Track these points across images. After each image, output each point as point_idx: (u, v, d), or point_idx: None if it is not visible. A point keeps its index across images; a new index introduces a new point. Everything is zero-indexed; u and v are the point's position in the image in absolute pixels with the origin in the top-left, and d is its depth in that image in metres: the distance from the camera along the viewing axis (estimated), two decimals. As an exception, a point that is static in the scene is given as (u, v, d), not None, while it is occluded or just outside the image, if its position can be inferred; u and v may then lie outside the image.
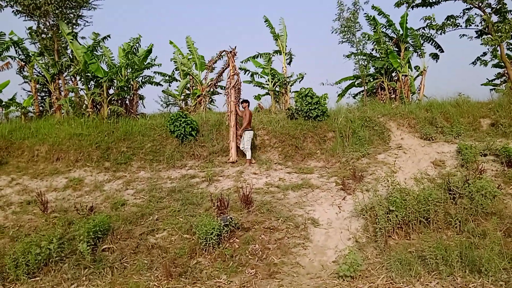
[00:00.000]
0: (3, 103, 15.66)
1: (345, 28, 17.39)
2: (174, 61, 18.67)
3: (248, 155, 11.54)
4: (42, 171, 11.03)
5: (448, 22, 16.46)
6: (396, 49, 17.34)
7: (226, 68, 12.72)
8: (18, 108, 15.88)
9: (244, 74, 18.16)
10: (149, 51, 16.33)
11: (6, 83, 15.52)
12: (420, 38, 17.29)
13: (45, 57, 15.62)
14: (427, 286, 6.30)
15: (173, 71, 19.00)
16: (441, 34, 16.98)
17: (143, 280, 7.05)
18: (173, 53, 18.48)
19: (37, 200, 9.31)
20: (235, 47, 12.54)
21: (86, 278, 7.18)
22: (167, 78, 18.75)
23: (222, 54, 12.96)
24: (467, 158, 10.58)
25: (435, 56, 17.83)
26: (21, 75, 16.15)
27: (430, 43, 17.56)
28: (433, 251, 6.79)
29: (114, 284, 7.00)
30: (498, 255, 6.64)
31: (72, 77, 16.04)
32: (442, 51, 17.69)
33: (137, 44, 16.13)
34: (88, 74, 14.47)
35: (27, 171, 11.01)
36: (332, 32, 17.56)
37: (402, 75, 16.94)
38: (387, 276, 6.69)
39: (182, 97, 18.13)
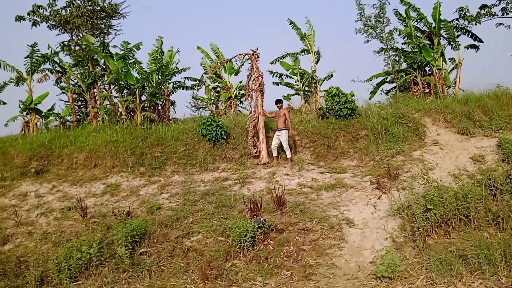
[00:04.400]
0: (43, 114, 16.32)
1: (369, 28, 16.99)
2: (203, 66, 18.89)
3: (289, 153, 11.52)
4: (81, 177, 11.42)
5: (483, 12, 15.83)
6: (429, 42, 16.81)
7: (250, 71, 12.67)
8: (56, 117, 16.51)
9: (272, 76, 18.16)
10: (175, 55, 16.59)
11: (45, 95, 16.16)
12: (454, 30, 16.71)
13: (80, 68, 16.17)
14: (469, 287, 6.09)
15: (202, 75, 19.23)
16: (475, 24, 16.36)
17: (180, 282, 7.17)
18: (201, 58, 18.72)
19: (77, 206, 9.65)
20: (257, 48, 12.53)
21: (125, 282, 7.37)
22: (196, 83, 19.00)
23: (244, 58, 12.92)
24: (508, 153, 10.12)
25: (474, 47, 17.14)
26: (58, 86, 16.83)
27: (466, 34, 16.93)
28: (474, 250, 6.55)
29: (152, 286, 7.15)
30: (546, 253, 6.32)
31: (106, 86, 16.55)
32: (481, 41, 16.99)
33: (162, 46, 16.34)
34: (121, 82, 14.87)
35: (67, 178, 11.43)
36: (356, 33, 17.24)
37: (436, 69, 16.40)
38: (427, 277, 6.51)
39: (212, 100, 18.33)
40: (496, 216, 7.73)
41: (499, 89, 13.70)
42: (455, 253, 6.92)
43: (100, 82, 16.36)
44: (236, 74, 18.39)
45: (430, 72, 16.63)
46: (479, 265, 6.39)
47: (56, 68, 16.45)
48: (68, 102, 16.95)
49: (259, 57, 12.53)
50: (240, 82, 18.24)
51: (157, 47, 16.20)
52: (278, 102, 12.16)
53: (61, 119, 16.24)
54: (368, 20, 16.42)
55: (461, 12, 15.92)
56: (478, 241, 6.83)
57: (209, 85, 18.58)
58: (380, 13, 16.30)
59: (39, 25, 16.00)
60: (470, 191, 7.91)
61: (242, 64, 17.45)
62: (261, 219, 8.18)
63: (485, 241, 6.88)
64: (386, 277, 6.60)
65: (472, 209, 7.76)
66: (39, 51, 15.52)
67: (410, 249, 7.48)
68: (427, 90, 16.42)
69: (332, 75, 17.74)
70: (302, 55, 17.88)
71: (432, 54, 15.96)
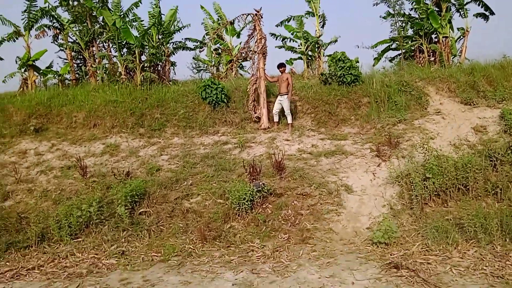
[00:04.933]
0: (41, 71, 16.06)
1: None
2: (204, 26, 18.44)
3: (290, 119, 11.41)
4: (81, 137, 11.38)
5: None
6: (437, 9, 16.37)
7: (253, 32, 12.22)
8: (55, 75, 16.26)
9: (275, 39, 17.76)
10: (175, 15, 16.11)
11: (43, 52, 15.83)
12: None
13: (78, 25, 15.75)
14: (464, 254, 6.18)
15: (204, 36, 18.80)
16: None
17: (178, 242, 7.28)
18: (203, 18, 18.23)
19: (76, 165, 9.66)
20: (260, 8, 11.97)
21: (125, 240, 7.49)
22: (197, 44, 18.60)
23: (247, 18, 12.44)
24: (510, 124, 10.06)
25: (482, 16, 16.69)
26: (56, 43, 16.44)
27: (476, 3, 16.45)
28: (471, 219, 6.63)
29: (151, 246, 7.26)
30: (542, 224, 6.39)
31: (105, 44, 16.19)
32: (491, 12, 16.53)
33: (159, 3, 15.79)
34: (120, 40, 14.54)
35: (66, 137, 11.38)
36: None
37: (443, 37, 16.04)
38: (422, 243, 6.61)
39: (213, 63, 18.01)
40: (495, 186, 7.76)
41: (505, 59, 13.45)
42: (451, 221, 7.01)
43: (99, 41, 15.99)
44: (238, 36, 17.99)
45: (436, 40, 16.28)
46: (475, 233, 6.47)
47: (54, 24, 16.03)
48: (66, 60, 16.63)
49: (262, 17, 12.01)
50: (240, 43, 17.85)
51: (154, 4, 15.68)
52: (281, 66, 11.91)
53: (60, 77, 15.98)
54: None
55: None
56: (475, 210, 6.89)
57: (211, 46, 18.19)
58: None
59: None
60: (469, 161, 7.91)
61: (245, 25, 17.02)
62: (260, 183, 8.22)
63: (482, 211, 6.95)
64: (382, 243, 6.71)
65: (471, 179, 7.79)
66: (37, 6, 15.08)
67: (407, 217, 7.57)
68: (432, 59, 16.14)
69: (336, 40, 17.37)
70: (307, 18, 17.44)
71: (439, 21, 15.56)
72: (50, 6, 15.45)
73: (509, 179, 7.89)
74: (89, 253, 7.14)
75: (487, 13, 16.56)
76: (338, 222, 7.68)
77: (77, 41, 15.82)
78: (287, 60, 18.25)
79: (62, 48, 16.55)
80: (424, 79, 12.76)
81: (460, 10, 16.30)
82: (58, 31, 16.12)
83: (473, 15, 16.67)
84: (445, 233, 6.61)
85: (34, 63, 15.60)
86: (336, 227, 7.55)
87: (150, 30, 14.82)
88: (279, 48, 17.90)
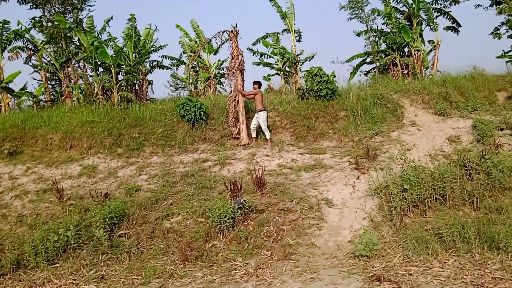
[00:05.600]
0: (15, 93, 15.76)
1: (353, 3, 16.94)
2: (181, 45, 18.51)
3: (268, 134, 11.45)
4: (57, 159, 11.14)
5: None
6: (408, 23, 16.89)
7: (233, 50, 12.31)
8: (29, 97, 15.98)
9: (253, 55, 17.97)
10: (153, 34, 16.19)
11: (16, 73, 15.57)
12: (433, 11, 16.81)
13: (53, 46, 15.59)
14: (444, 264, 6.25)
15: (181, 54, 18.86)
16: (455, 4, 16.52)
17: (160, 264, 7.15)
18: (180, 36, 18.31)
19: (53, 188, 9.43)
20: (236, 25, 12.10)
21: (104, 264, 7.30)
22: (175, 62, 18.63)
23: (223, 36, 12.51)
24: (483, 133, 10.37)
25: (453, 29, 17.31)
26: (30, 64, 16.21)
27: (445, 16, 17.07)
28: (449, 228, 6.72)
29: (131, 268, 7.10)
30: (517, 230, 6.54)
31: (81, 64, 16.04)
32: (459, 25, 17.18)
33: (135, 25, 15.84)
34: (96, 60, 14.43)
35: (42, 159, 11.13)
36: (340, 9, 17.15)
37: (415, 50, 16.55)
38: (403, 255, 6.66)
39: (191, 80, 18.04)
40: (471, 195, 7.94)
41: (475, 70, 13.95)
42: (430, 231, 7.10)
43: (74, 61, 15.83)
44: (215, 54, 18.13)
45: (408, 53, 16.77)
46: (453, 243, 6.57)
47: (28, 46, 15.83)
48: (41, 81, 16.40)
49: (238, 33, 12.13)
50: (219, 60, 17.96)
51: (130, 24, 15.68)
52: (255, 83, 12.00)
53: (34, 99, 15.71)
54: None
55: None
56: (453, 219, 7.01)
57: (189, 64, 18.26)
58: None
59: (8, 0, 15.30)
60: (446, 171, 8.08)
61: (223, 43, 17.17)
62: (241, 200, 8.18)
63: (460, 220, 7.07)
64: (364, 256, 6.73)
65: (448, 189, 7.94)
66: (10, 28, 14.89)
67: (387, 228, 7.63)
68: (405, 71, 16.59)
69: (313, 56, 17.73)
70: (283, 34, 17.74)
71: (411, 35, 16.06)
72: (24, 28, 15.27)
73: (484, 188, 8.09)
74: (67, 279, 6.93)
75: (456, 26, 17.19)
76: (320, 237, 7.69)
77: (51, 62, 15.63)
78: (264, 76, 18.46)
79: (36, 69, 16.32)
80: (398, 92, 13.07)
81: (430, 24, 16.87)
82: (32, 52, 15.92)
83: (443, 28, 17.30)
84: (425, 243, 6.69)
85: (7, 85, 15.30)
86: (318, 242, 7.55)
87: (126, 49, 14.77)
88: (257, 64, 18.10)
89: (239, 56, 12.05)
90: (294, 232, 7.82)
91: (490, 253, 6.29)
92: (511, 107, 11.82)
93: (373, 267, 6.39)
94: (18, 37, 15.26)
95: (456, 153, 9.94)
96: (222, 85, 19.00)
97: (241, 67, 12.02)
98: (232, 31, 12.13)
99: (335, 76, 13.16)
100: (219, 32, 12.44)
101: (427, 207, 7.92)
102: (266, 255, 7.25)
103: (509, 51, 19.37)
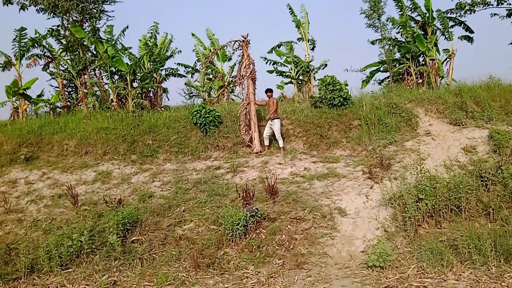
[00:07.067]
0: (32, 100, 16.06)
1: (372, 11, 16.96)
2: (196, 53, 18.68)
3: (281, 142, 11.46)
4: (72, 165, 11.29)
5: (478, 0, 15.85)
6: (423, 32, 16.79)
7: (242, 59, 12.40)
8: (46, 104, 16.26)
9: (267, 63, 18.02)
10: (170, 42, 16.44)
11: (34, 80, 15.86)
12: (448, 20, 16.69)
13: (69, 54, 15.89)
14: (460, 276, 6.13)
15: (195, 62, 19.02)
16: (470, 13, 16.39)
17: (172, 271, 7.15)
18: (194, 45, 18.49)
19: (67, 193, 9.54)
20: (247, 34, 12.24)
21: (116, 269, 7.34)
22: (189, 70, 18.79)
23: (234, 45, 12.62)
24: (499, 143, 10.20)
25: (468, 39, 17.17)
26: (48, 71, 16.53)
27: (460, 25, 16.94)
28: (465, 240, 6.61)
29: (144, 275, 7.13)
30: (535, 243, 6.40)
31: (97, 72, 16.30)
32: (472, 32, 17.03)
33: (156, 33, 16.17)
34: (112, 68, 14.65)
35: (57, 165, 11.30)
36: (361, 13, 17.22)
37: (429, 59, 16.41)
38: (417, 266, 6.56)
39: (205, 88, 18.17)
40: (487, 206, 7.80)
41: (491, 80, 13.75)
42: (445, 243, 6.98)
43: (90, 69, 16.10)
44: (229, 60, 18.23)
45: (423, 62, 16.65)
46: (469, 255, 6.45)
47: (45, 53, 16.15)
48: (58, 88, 16.68)
49: (249, 43, 12.27)
50: (232, 67, 18.07)
51: (151, 33, 15.93)
52: (268, 91, 12.04)
53: (51, 105, 15.98)
54: (371, 3, 16.48)
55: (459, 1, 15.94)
56: (469, 231, 6.89)
57: (203, 72, 18.40)
58: (375, 1, 16.27)
59: (27, 8, 15.64)
60: (461, 182, 7.96)
61: (234, 51, 17.28)
62: (254, 207, 8.17)
63: (476, 231, 6.95)
64: (377, 266, 6.65)
65: (463, 200, 7.82)
66: (27, 34, 15.23)
67: (401, 239, 7.53)
68: (420, 80, 16.44)
69: (326, 65, 17.69)
70: (297, 43, 17.78)
71: (425, 44, 15.95)
72: (40, 36, 15.59)
73: (501, 199, 7.95)
74: (80, 284, 6.98)
75: (471, 35, 17.04)
76: (333, 246, 7.62)
77: (68, 69, 15.91)
78: (278, 85, 18.48)
79: (53, 77, 16.63)
80: (413, 101, 12.96)
81: (445, 33, 16.74)
82: (49, 59, 16.22)
83: (458, 37, 17.14)
84: (439, 255, 6.58)
85: (25, 92, 15.60)
86: (330, 251, 7.49)
87: (140, 56, 15.00)
88: (270, 72, 18.14)
89: (251, 65, 12.15)
90: (306, 241, 7.77)
91: (507, 266, 6.17)
92: (528, 117, 11.61)
93: (386, 278, 6.30)
94: (36, 44, 15.58)
95: (471, 163, 9.78)
96: (235, 93, 19.09)
97: (252, 75, 12.12)
98: (243, 40, 12.26)
99: (347, 85, 13.10)
100: (230, 42, 12.59)
101: (442, 218, 7.81)
102: (278, 264, 7.20)
103: (526, 60, 19.06)
